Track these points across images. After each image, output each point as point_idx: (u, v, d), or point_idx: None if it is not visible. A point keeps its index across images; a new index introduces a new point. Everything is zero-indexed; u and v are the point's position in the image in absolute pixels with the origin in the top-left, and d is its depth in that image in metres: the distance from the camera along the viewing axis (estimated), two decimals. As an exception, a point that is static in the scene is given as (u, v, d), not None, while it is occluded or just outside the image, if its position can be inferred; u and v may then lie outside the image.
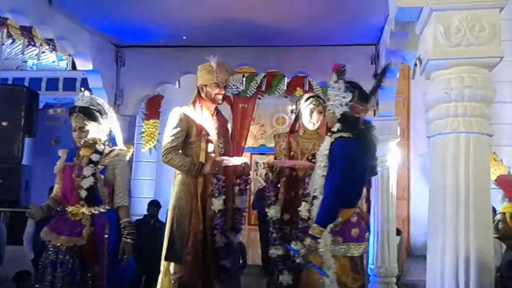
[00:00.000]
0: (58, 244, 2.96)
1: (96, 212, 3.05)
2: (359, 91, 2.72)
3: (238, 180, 3.43)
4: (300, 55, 4.82)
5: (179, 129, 3.29)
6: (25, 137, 6.44)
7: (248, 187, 3.51)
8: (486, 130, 1.97)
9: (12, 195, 6.05)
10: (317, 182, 2.71)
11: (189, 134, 3.33)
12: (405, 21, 2.26)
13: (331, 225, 2.60)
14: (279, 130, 11.17)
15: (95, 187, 3.06)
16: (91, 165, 3.08)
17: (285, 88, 8.27)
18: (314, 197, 2.71)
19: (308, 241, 2.60)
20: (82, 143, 3.14)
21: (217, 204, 3.24)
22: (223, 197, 3.26)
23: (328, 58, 4.63)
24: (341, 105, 2.68)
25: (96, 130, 3.18)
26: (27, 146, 6.79)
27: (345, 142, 2.61)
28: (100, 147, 3.16)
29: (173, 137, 3.28)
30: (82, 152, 3.16)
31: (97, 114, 3.18)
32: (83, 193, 3.03)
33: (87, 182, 3.03)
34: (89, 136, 3.14)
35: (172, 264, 3.28)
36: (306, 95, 3.73)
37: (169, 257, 3.27)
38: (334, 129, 2.73)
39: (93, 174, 3.06)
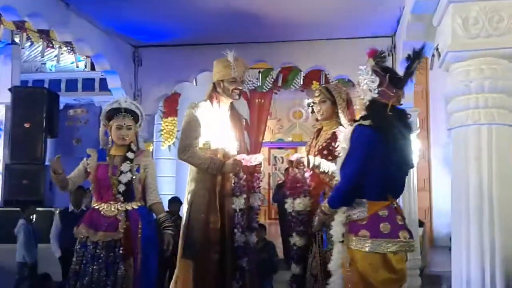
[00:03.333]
0: (96, 240, 3.09)
1: (130, 208, 3.17)
2: (390, 76, 2.46)
3: (250, 179, 3.37)
4: (315, 49, 4.81)
5: (196, 125, 3.21)
6: (47, 138, 6.54)
7: (260, 185, 3.42)
8: (509, 120, 1.95)
9: (36, 195, 6.17)
10: (337, 172, 2.59)
11: (205, 129, 3.23)
12: (421, 13, 2.24)
13: (355, 217, 2.45)
14: (296, 124, 11.17)
15: (131, 183, 3.17)
16: (127, 162, 3.19)
17: (301, 82, 8.25)
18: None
19: (319, 216, 2.62)
20: (124, 141, 3.22)
21: (238, 202, 3.19)
22: (244, 195, 3.22)
23: (343, 51, 4.63)
24: (370, 90, 2.47)
25: (134, 133, 3.30)
26: (49, 146, 6.89)
27: (363, 131, 2.43)
28: (134, 147, 3.27)
29: (190, 134, 3.21)
30: (114, 152, 3.25)
31: (137, 117, 3.30)
32: (122, 188, 3.14)
33: (125, 177, 3.14)
34: (131, 137, 3.25)
35: (184, 262, 3.21)
36: None
37: (185, 254, 3.22)
38: (358, 117, 2.58)
39: (130, 170, 3.17)
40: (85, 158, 3.26)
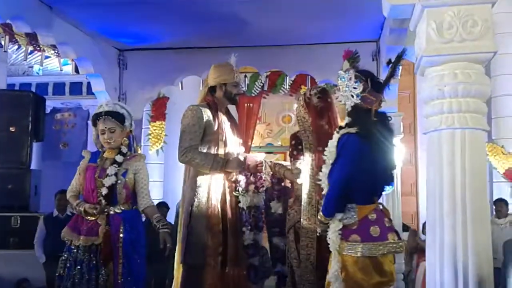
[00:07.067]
0: (78, 244, 3.09)
1: (112, 212, 3.15)
2: (372, 81, 2.49)
3: (253, 178, 3.37)
4: (301, 54, 4.83)
5: (197, 126, 3.21)
6: (33, 141, 6.49)
7: (264, 184, 3.43)
8: (482, 125, 1.97)
9: (22, 200, 6.10)
10: (323, 179, 2.59)
11: (206, 132, 3.25)
12: (401, 18, 2.25)
13: (345, 222, 2.45)
14: (285, 128, 11.17)
15: (115, 187, 3.15)
16: (115, 165, 3.17)
17: (289, 87, 8.27)
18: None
19: (318, 226, 2.61)
20: (111, 145, 3.21)
21: (244, 201, 3.22)
22: (250, 193, 3.26)
23: (328, 56, 4.64)
24: (352, 96, 2.47)
25: (121, 134, 3.25)
26: (35, 150, 6.85)
27: (350, 138, 2.46)
28: (124, 149, 3.25)
29: (191, 135, 3.19)
30: (107, 154, 3.25)
31: (123, 117, 3.27)
32: (104, 191, 3.12)
33: (109, 180, 3.14)
34: (116, 138, 3.22)
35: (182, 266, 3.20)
36: None
37: (185, 259, 3.19)
38: (343, 124, 2.57)
39: (116, 174, 3.15)
40: (81, 162, 3.30)
